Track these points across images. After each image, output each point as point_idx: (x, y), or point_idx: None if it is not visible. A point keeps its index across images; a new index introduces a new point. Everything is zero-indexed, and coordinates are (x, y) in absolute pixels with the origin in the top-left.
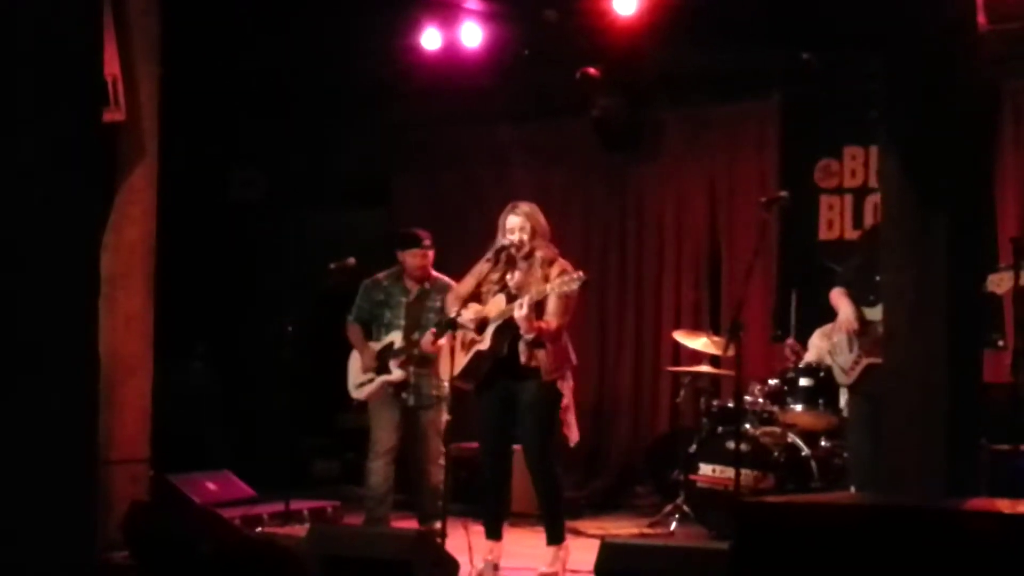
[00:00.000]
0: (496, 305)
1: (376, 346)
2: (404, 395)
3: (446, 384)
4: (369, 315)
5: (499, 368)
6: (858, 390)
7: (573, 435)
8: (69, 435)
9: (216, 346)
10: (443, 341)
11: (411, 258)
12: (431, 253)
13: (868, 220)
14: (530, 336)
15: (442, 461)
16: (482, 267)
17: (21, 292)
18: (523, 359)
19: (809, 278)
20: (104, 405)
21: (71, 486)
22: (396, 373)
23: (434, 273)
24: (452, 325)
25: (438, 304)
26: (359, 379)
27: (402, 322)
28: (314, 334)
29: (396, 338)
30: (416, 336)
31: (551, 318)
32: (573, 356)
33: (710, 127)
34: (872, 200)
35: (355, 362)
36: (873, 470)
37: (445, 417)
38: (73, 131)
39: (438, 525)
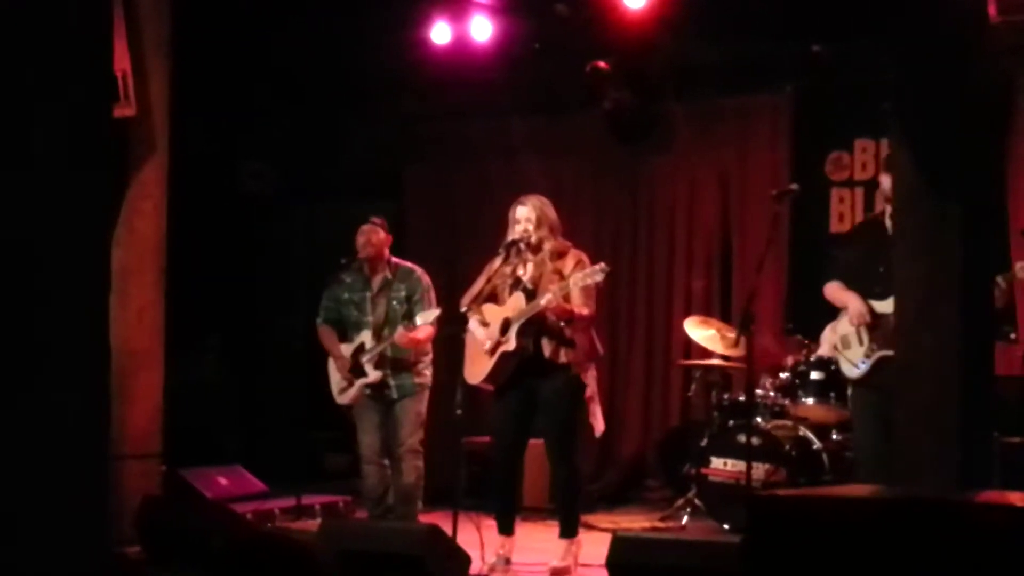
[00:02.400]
0: (515, 304)
1: (348, 348)
2: (387, 392)
3: (428, 373)
4: (337, 314)
5: (524, 366)
6: (868, 383)
7: (599, 425)
8: (81, 430)
9: (227, 340)
10: (420, 332)
11: (360, 236)
12: (381, 233)
13: None
14: (565, 320)
15: (419, 462)
16: (492, 264)
17: (32, 287)
18: (548, 354)
19: (820, 271)
20: (115, 399)
21: (83, 481)
22: (372, 374)
23: (395, 259)
24: (463, 321)
25: (403, 293)
26: (340, 384)
27: (369, 319)
28: None
29: (366, 338)
30: (386, 332)
31: (581, 309)
32: (599, 346)
33: (721, 120)
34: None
35: (333, 366)
36: (880, 463)
37: (424, 408)
38: (84, 127)
39: None
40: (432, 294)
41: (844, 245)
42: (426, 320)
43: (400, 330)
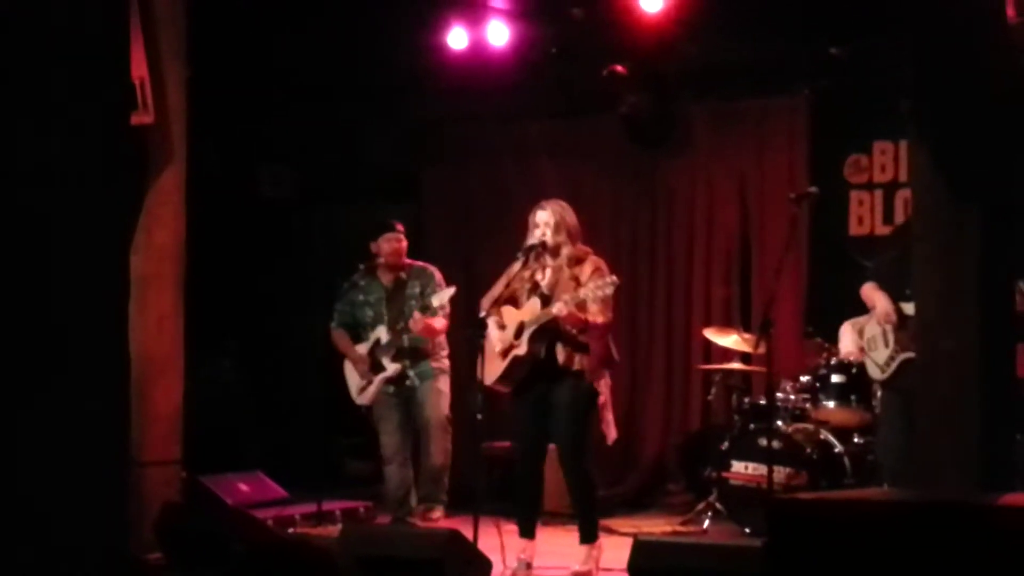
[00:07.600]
0: (532, 308)
1: (364, 347)
2: (407, 383)
3: (447, 362)
4: (352, 318)
5: (536, 371)
6: (893, 385)
7: (611, 433)
8: (100, 437)
9: (247, 344)
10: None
11: (385, 243)
12: (404, 241)
13: (898, 215)
14: (579, 329)
15: (448, 443)
16: (513, 267)
17: (51, 294)
18: (561, 360)
19: (839, 274)
20: (135, 406)
21: (103, 488)
22: (391, 367)
23: (409, 260)
24: (482, 325)
25: (417, 290)
26: (359, 384)
27: (385, 316)
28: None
29: (382, 333)
30: (401, 326)
31: (596, 317)
32: (616, 353)
33: (739, 122)
34: (902, 195)
35: (350, 368)
36: (905, 466)
37: (447, 389)
38: (102, 134)
39: (436, 513)
40: (444, 285)
41: (884, 247)
42: (441, 301)
43: (416, 315)
